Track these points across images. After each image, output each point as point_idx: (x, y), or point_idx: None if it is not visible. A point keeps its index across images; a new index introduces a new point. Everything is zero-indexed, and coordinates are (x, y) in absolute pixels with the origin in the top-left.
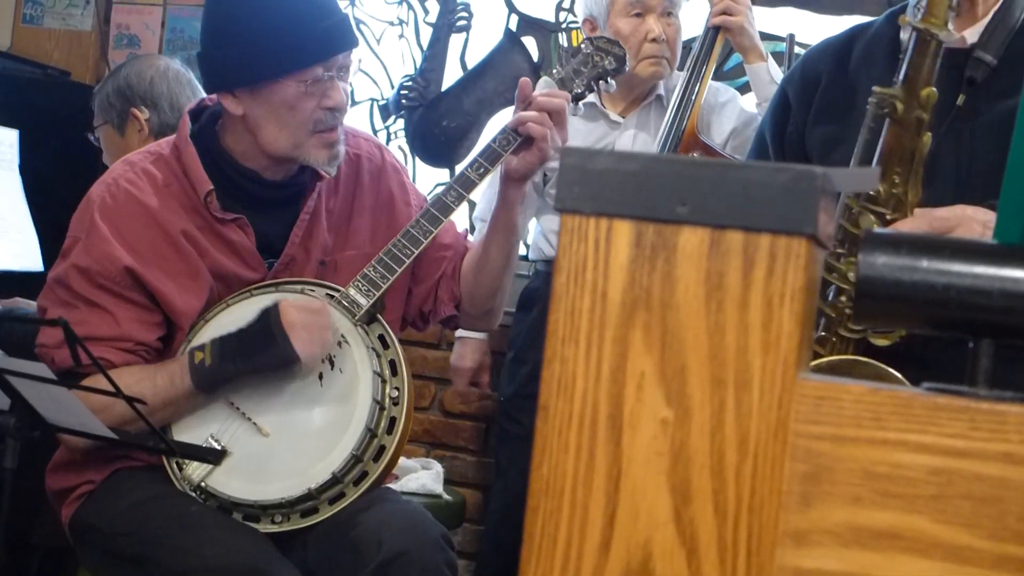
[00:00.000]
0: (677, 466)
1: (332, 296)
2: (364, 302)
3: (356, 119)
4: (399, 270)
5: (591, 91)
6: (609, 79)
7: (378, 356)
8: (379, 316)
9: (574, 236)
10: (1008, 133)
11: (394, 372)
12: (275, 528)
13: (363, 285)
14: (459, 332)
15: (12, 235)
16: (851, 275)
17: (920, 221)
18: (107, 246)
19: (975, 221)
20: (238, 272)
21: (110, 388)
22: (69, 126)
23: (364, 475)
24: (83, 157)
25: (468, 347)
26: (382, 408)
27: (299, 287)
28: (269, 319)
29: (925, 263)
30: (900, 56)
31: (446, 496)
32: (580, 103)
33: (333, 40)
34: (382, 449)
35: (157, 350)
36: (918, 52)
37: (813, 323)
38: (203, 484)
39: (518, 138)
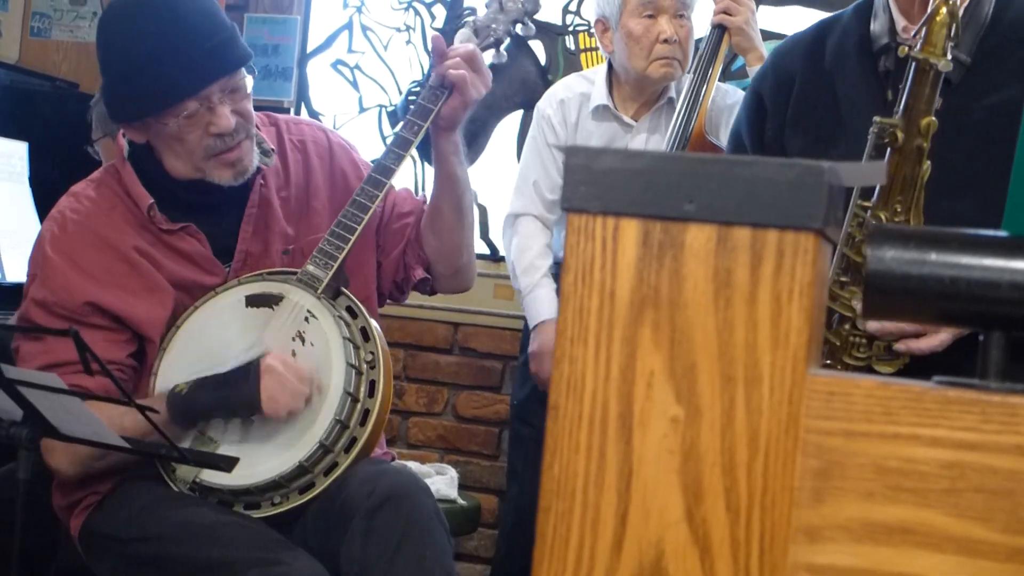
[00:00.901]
0: (688, 464)
1: (293, 274)
2: (322, 274)
3: (364, 125)
4: (352, 238)
5: (509, 35)
6: (526, 21)
7: (347, 324)
8: (344, 290)
9: (581, 235)
10: (994, 131)
11: (366, 338)
12: (276, 510)
13: (320, 259)
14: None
15: (23, 247)
16: (855, 303)
17: None
18: (62, 279)
19: None
20: (197, 279)
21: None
22: (78, 138)
23: (353, 441)
24: (92, 169)
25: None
26: (359, 372)
27: (258, 276)
28: (251, 362)
29: (934, 256)
30: (878, 58)
31: (461, 501)
32: (502, 47)
33: (202, 71)
34: (367, 413)
35: (132, 367)
36: (917, 82)
37: (823, 318)
38: (198, 480)
39: (444, 91)
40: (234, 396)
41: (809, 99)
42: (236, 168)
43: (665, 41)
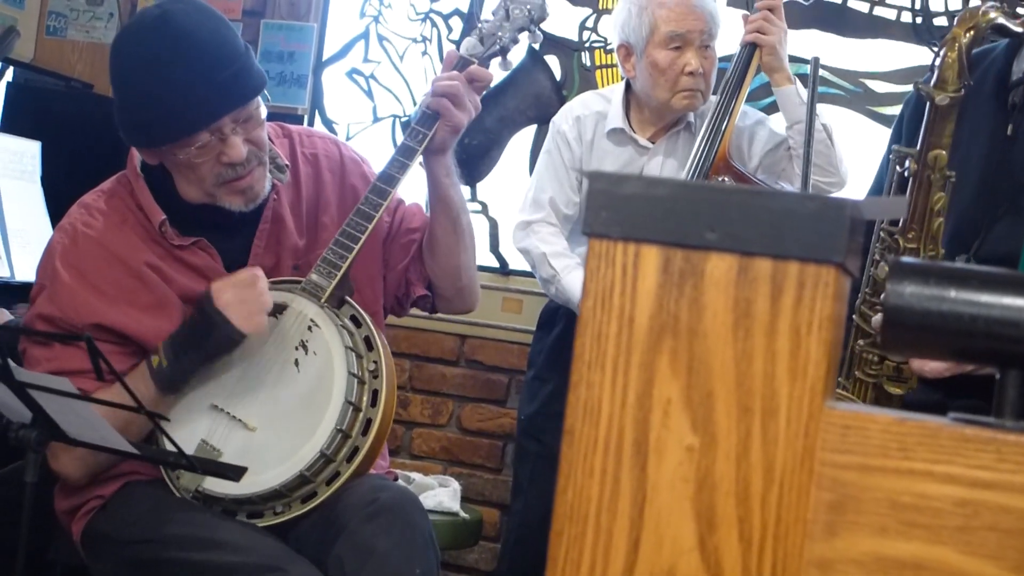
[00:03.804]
0: (702, 493)
1: (297, 283)
2: (326, 283)
3: (378, 135)
4: (355, 247)
5: (516, 43)
6: (533, 29)
7: (351, 334)
8: (348, 299)
9: (602, 261)
10: None
11: (369, 347)
12: (278, 519)
13: (324, 268)
14: None
15: (33, 247)
16: (876, 320)
17: None
18: (70, 296)
19: None
20: None
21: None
22: (91, 138)
23: (356, 451)
24: (105, 169)
25: None
26: (361, 382)
27: None
28: (204, 305)
29: (953, 293)
30: (1010, 92)
31: (463, 514)
32: (509, 55)
33: (215, 104)
34: (369, 422)
35: None
36: (930, 116)
37: (840, 351)
38: (200, 489)
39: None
40: (213, 345)
41: None
42: (247, 195)
43: (690, 73)
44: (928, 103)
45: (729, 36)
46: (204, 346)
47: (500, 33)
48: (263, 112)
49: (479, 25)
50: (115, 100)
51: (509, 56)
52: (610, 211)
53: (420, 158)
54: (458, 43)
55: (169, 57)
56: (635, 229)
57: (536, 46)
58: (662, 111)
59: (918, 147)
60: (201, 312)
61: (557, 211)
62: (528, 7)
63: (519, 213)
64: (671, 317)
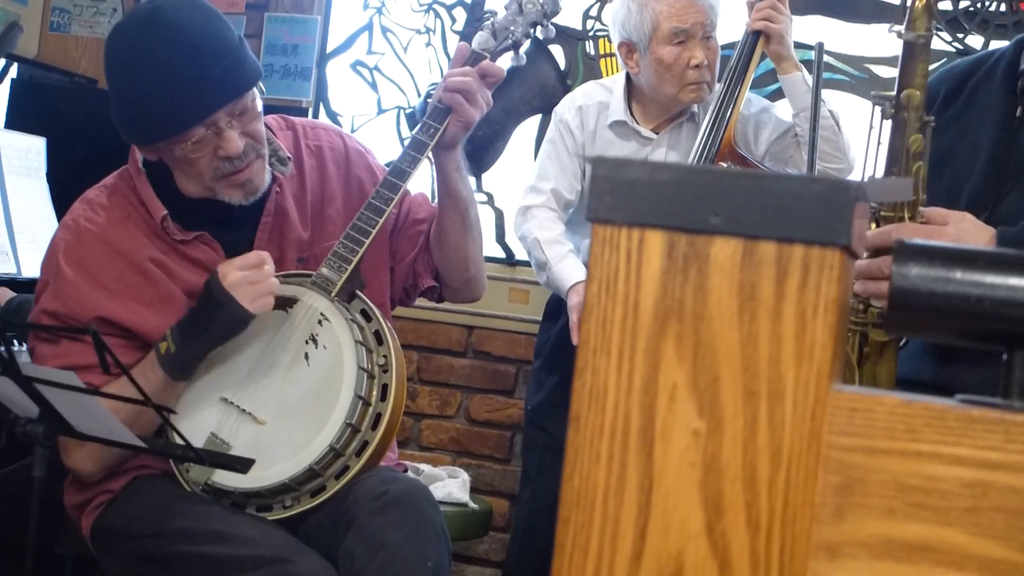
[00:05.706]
0: (709, 478)
1: (308, 277)
2: (336, 277)
3: (382, 127)
4: (366, 241)
5: (528, 37)
6: (546, 23)
7: (360, 328)
8: (359, 293)
9: (606, 246)
10: None
11: (380, 342)
12: (287, 512)
13: (334, 262)
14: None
15: (39, 243)
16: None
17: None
18: (74, 290)
19: (968, 234)
20: None
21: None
22: (96, 134)
23: (365, 445)
24: (110, 164)
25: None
26: (371, 376)
27: None
28: (211, 286)
29: (959, 274)
30: (1020, 78)
31: (472, 505)
32: (521, 49)
33: (208, 99)
34: (379, 417)
35: None
36: (904, 58)
37: (846, 334)
38: (209, 482)
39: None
40: (221, 327)
41: (943, 113)
42: (246, 188)
43: (696, 67)
44: (903, 45)
45: (731, 23)
46: (211, 328)
47: (512, 28)
48: (259, 104)
49: (491, 19)
50: (110, 98)
51: (521, 51)
52: (614, 196)
53: (430, 152)
54: (463, 34)
55: (160, 53)
56: (639, 214)
57: (541, 38)
58: (668, 103)
59: (896, 90)
60: (208, 294)
61: (559, 197)
62: (541, 2)
63: (520, 200)
64: (676, 302)
